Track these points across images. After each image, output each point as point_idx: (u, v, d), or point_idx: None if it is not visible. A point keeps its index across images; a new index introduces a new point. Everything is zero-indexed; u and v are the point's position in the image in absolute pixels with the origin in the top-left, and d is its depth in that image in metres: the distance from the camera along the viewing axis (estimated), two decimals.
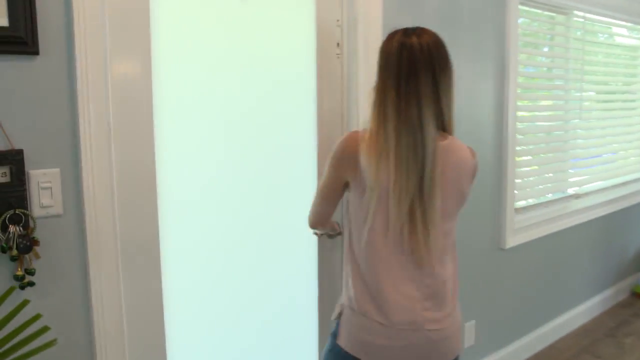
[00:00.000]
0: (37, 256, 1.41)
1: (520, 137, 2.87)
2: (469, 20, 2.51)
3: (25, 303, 1.14)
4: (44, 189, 1.41)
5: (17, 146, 1.36)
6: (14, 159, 1.35)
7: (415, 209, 1.27)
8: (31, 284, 1.39)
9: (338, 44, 2.00)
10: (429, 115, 1.25)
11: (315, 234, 1.93)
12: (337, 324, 1.48)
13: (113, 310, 1.53)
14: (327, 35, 1.96)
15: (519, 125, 2.84)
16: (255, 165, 1.89)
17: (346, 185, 1.41)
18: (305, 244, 2.01)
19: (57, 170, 1.43)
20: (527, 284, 3.15)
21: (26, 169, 1.38)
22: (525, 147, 2.93)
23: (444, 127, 1.34)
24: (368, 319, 1.36)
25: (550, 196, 3.20)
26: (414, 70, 1.24)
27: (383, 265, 1.34)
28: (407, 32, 1.30)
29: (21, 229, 1.37)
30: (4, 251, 1.35)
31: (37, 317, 1.10)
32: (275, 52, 1.90)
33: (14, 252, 1.35)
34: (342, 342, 1.43)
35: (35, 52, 1.36)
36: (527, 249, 3.08)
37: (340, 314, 1.47)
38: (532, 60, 3.04)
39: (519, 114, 2.82)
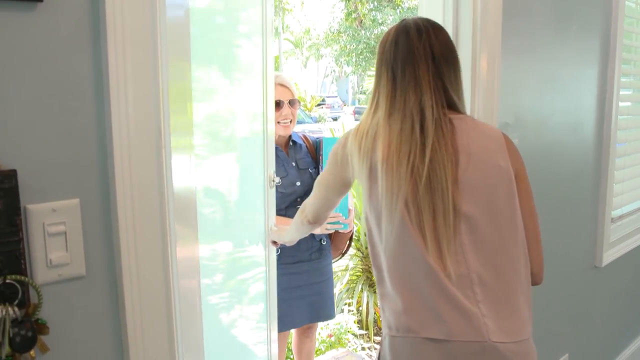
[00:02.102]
0: (45, 349, 0.83)
1: (621, 132, 2.37)
2: None
3: None
4: (54, 236, 0.83)
5: (5, 165, 0.77)
6: (1, 188, 0.76)
7: (418, 199, 1.08)
8: None
9: None
10: (430, 102, 1.12)
11: (275, 244, 1.76)
12: None
13: None
14: None
15: (620, 118, 2.34)
16: None
17: (343, 187, 1.30)
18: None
19: (75, 202, 0.84)
20: (626, 306, 2.68)
21: (22, 202, 0.79)
22: (625, 145, 2.43)
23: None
24: (418, 338, 1.06)
25: None
26: (411, 57, 1.14)
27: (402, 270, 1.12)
28: (404, 21, 1.20)
29: (16, 309, 0.78)
30: None
31: None
32: None
33: (7, 350, 0.77)
34: None
35: None
36: (624, 264, 2.59)
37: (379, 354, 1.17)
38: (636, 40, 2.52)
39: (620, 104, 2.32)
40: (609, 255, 2.44)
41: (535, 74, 1.84)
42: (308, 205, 1.40)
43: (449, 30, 1.50)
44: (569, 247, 2.24)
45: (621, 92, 2.32)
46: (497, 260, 1.09)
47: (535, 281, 1.17)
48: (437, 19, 1.52)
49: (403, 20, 1.20)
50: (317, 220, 1.42)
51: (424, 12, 1.58)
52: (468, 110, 1.55)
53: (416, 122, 1.10)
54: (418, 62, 1.13)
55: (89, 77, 0.83)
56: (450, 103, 1.16)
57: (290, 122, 2.11)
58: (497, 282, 1.08)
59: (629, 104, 2.45)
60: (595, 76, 2.18)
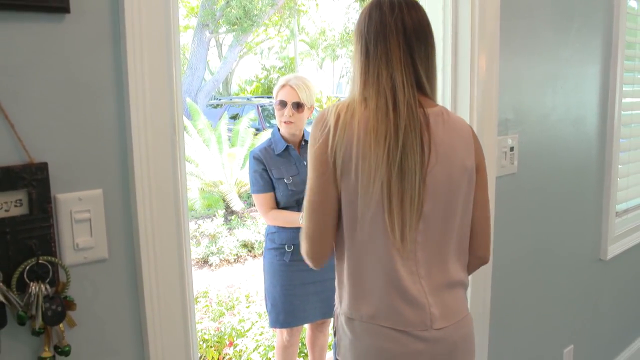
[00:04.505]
0: (72, 324, 0.92)
1: (624, 128, 2.41)
2: None
3: None
4: (80, 222, 0.92)
5: (38, 159, 0.87)
6: (35, 179, 0.86)
7: (391, 183, 1.07)
8: None
9: None
10: (400, 79, 1.10)
11: None
12: (335, 348, 1.17)
13: None
14: None
15: (623, 113, 2.38)
16: None
17: (335, 186, 1.11)
18: None
19: (98, 192, 0.93)
20: (631, 299, 2.72)
21: (52, 192, 0.89)
22: (628, 140, 2.47)
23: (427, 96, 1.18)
24: (376, 326, 1.10)
25: None
26: (383, 31, 1.12)
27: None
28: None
29: (48, 287, 0.88)
30: (22, 322, 0.86)
31: None
32: None
33: (40, 323, 0.87)
34: None
35: (64, 9, 0.86)
36: (629, 257, 2.62)
37: (335, 331, 1.19)
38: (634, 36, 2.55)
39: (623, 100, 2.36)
40: (614, 249, 2.48)
41: (537, 72, 1.88)
42: (311, 245, 1.16)
43: (448, 30, 1.57)
44: (574, 240, 2.29)
45: (624, 88, 2.36)
46: (441, 254, 1.14)
47: (484, 262, 1.24)
48: (437, 19, 1.59)
49: None
50: (325, 256, 1.18)
51: None
52: (467, 108, 1.61)
53: (389, 99, 1.09)
54: (389, 37, 1.12)
55: (110, 79, 0.93)
56: (419, 83, 1.14)
57: (292, 123, 2.17)
58: (440, 273, 1.14)
59: (631, 99, 2.48)
60: (597, 73, 2.22)
